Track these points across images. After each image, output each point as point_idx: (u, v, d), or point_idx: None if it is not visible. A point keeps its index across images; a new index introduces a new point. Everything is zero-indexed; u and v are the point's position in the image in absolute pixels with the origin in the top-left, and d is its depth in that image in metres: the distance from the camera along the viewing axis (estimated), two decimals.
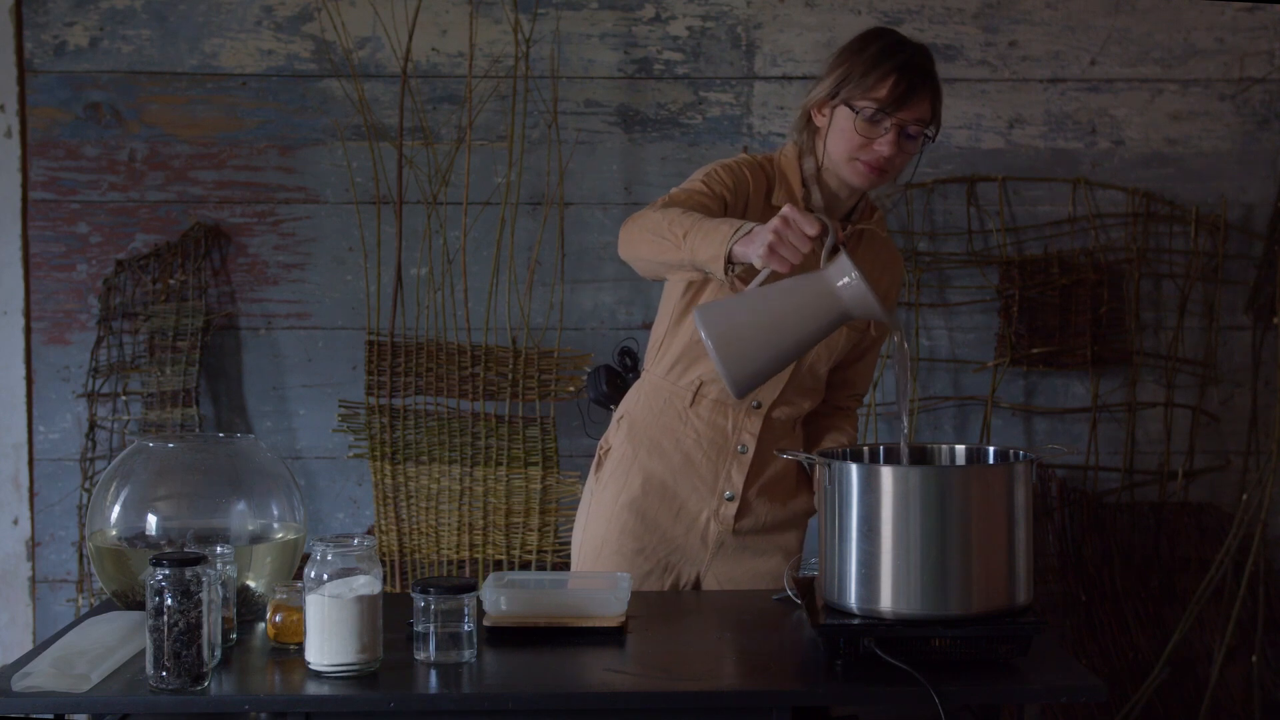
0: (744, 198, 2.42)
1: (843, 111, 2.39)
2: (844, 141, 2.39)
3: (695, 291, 2.48)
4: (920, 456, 2.27)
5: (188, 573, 1.91)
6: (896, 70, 2.35)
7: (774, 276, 2.04)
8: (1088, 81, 3.42)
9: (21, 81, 3.34)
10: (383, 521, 3.35)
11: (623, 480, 2.54)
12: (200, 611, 1.91)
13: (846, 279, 1.98)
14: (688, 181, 2.40)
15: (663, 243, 2.17)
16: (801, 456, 2.23)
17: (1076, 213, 3.42)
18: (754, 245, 2.03)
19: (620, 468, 2.55)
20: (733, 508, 2.50)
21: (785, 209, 2.02)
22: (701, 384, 2.49)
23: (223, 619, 2.05)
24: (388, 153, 3.35)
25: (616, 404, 2.75)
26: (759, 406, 2.49)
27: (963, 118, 3.41)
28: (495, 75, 3.35)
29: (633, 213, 2.35)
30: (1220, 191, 3.43)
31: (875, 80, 2.35)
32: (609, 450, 2.59)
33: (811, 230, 1.99)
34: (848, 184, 2.45)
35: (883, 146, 2.37)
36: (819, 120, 2.44)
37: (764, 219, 2.37)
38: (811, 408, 2.57)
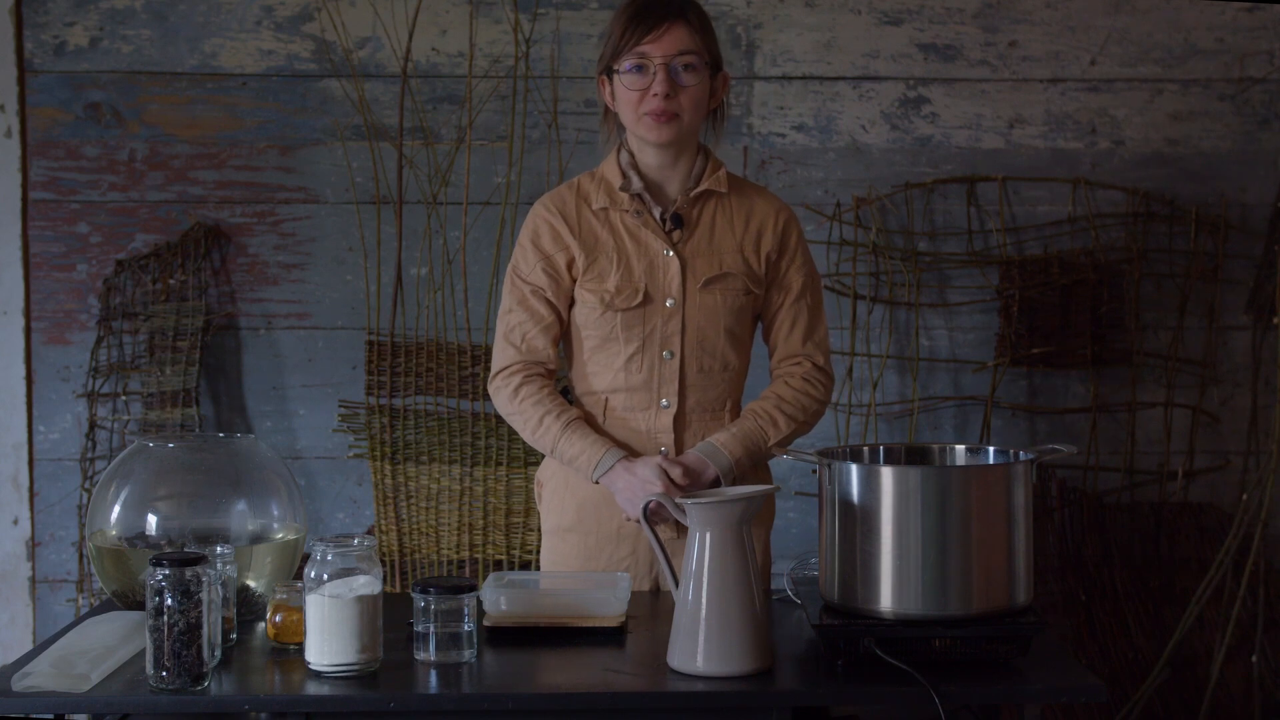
0: (564, 265, 2.45)
1: (615, 82, 2.42)
2: (626, 107, 2.42)
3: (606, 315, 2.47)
4: (920, 456, 2.27)
5: (188, 573, 1.91)
6: (636, 14, 2.38)
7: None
8: (1088, 81, 3.42)
9: (21, 81, 3.34)
10: (383, 521, 3.35)
11: (559, 509, 2.53)
12: (200, 611, 1.92)
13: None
14: (509, 315, 2.49)
15: (538, 447, 2.49)
16: (802, 456, 2.22)
17: (1076, 213, 3.42)
18: (616, 494, 2.41)
19: (556, 496, 2.54)
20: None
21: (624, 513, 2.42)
22: (608, 397, 2.47)
23: (223, 619, 2.05)
24: (388, 153, 3.35)
25: None
26: (668, 405, 2.46)
27: (963, 118, 3.41)
28: (495, 75, 3.35)
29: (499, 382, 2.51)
30: (1220, 191, 3.43)
31: (619, 36, 2.40)
32: (544, 483, 2.59)
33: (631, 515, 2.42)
34: (649, 145, 2.44)
35: (657, 87, 2.37)
36: (612, 105, 2.47)
37: (590, 230, 2.46)
38: (731, 389, 2.50)
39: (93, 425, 3.35)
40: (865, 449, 2.29)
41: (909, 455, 2.28)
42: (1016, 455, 2.10)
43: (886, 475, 2.01)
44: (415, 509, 3.35)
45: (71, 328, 3.38)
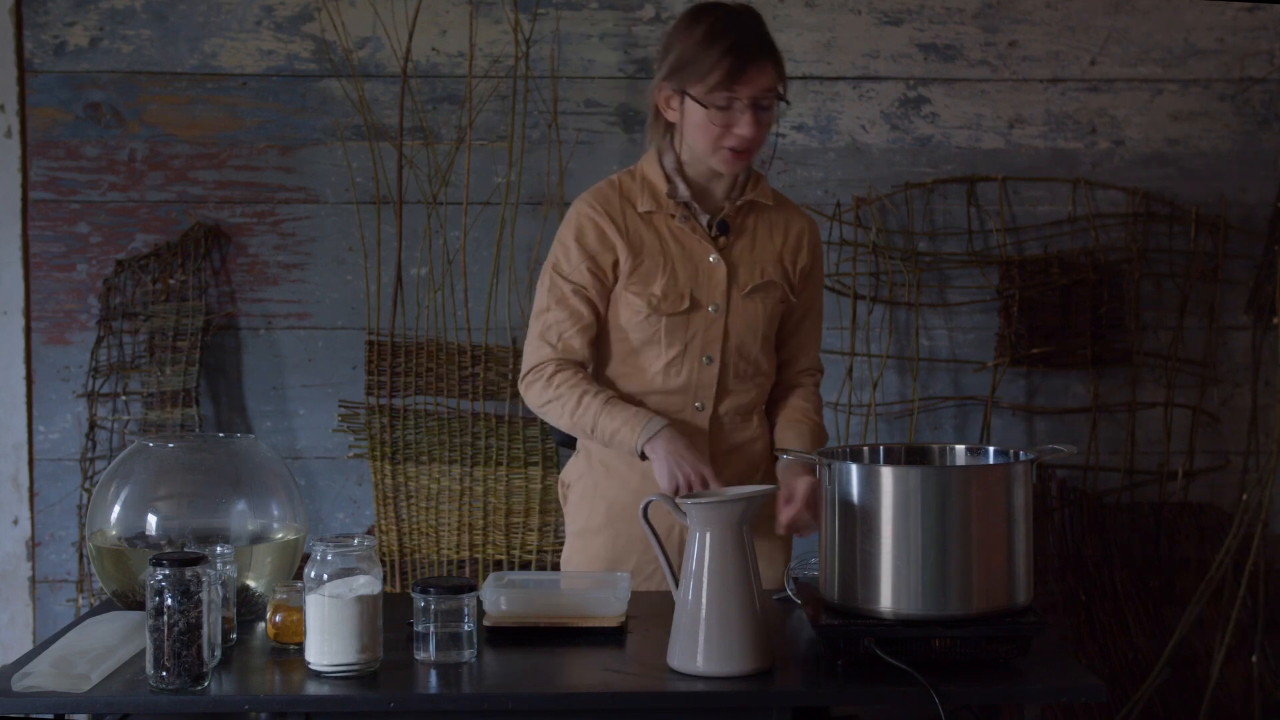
0: (609, 265, 2.44)
1: (689, 105, 2.38)
2: (703, 135, 2.38)
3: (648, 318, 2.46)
4: (920, 456, 2.27)
5: (188, 573, 1.91)
6: (730, 52, 2.34)
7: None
8: (1088, 81, 3.42)
9: (21, 81, 3.34)
10: (383, 521, 3.35)
11: (587, 511, 2.53)
12: (200, 611, 1.91)
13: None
14: (546, 314, 2.46)
15: (576, 430, 2.45)
16: (803, 455, 2.22)
17: (1076, 213, 3.42)
18: (657, 461, 2.35)
19: (584, 499, 2.54)
20: None
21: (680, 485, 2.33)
22: (642, 399, 2.47)
23: (223, 619, 2.05)
24: (388, 153, 3.35)
25: None
26: (702, 408, 2.47)
27: (963, 118, 3.41)
28: (495, 75, 3.35)
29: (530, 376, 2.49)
30: (1220, 191, 3.43)
31: (711, 66, 2.34)
32: (570, 485, 2.59)
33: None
34: (718, 171, 2.44)
35: (743, 129, 2.36)
36: (670, 115, 2.43)
37: (636, 233, 2.43)
38: (761, 393, 2.53)
39: (93, 425, 3.35)
40: (865, 449, 2.28)
41: (909, 455, 2.28)
42: (1016, 455, 2.09)
43: (886, 475, 2.01)
44: (415, 509, 3.35)
45: (71, 328, 3.38)
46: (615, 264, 2.44)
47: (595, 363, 2.51)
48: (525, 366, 2.49)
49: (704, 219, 2.46)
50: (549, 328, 2.46)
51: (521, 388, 2.50)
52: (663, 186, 2.45)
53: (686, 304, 2.43)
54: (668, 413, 2.45)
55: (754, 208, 2.50)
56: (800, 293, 2.54)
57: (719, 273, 2.44)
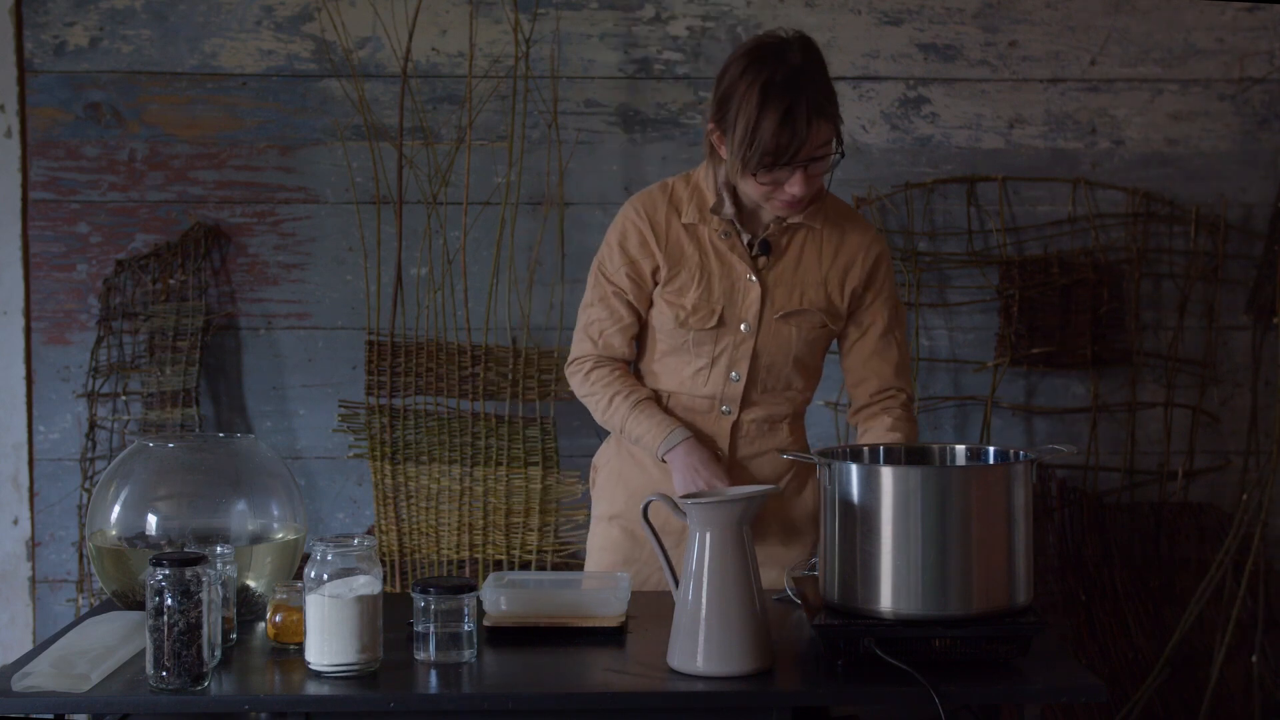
0: (649, 271, 2.45)
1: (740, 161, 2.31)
2: (753, 189, 2.34)
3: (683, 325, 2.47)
4: (920, 457, 2.27)
5: (188, 573, 1.91)
6: (780, 122, 2.24)
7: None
8: (1088, 81, 3.42)
9: (21, 81, 3.34)
10: (383, 521, 3.35)
11: (609, 496, 2.57)
12: (200, 611, 1.92)
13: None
14: (590, 309, 2.50)
15: (607, 426, 2.53)
16: (799, 456, 2.23)
17: (1076, 213, 3.42)
18: (675, 471, 2.43)
19: (608, 483, 2.58)
20: None
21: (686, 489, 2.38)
22: (670, 395, 2.49)
23: (223, 619, 2.05)
24: (388, 153, 3.35)
25: None
26: (728, 412, 2.48)
27: (963, 118, 3.41)
28: (495, 75, 3.35)
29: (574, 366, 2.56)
30: (1220, 191, 3.43)
31: (764, 136, 2.25)
32: (599, 469, 2.63)
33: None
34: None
35: (793, 188, 2.31)
36: (722, 153, 2.37)
37: (676, 243, 2.44)
38: (792, 408, 2.52)
39: (93, 425, 3.35)
40: (865, 449, 2.29)
41: (909, 455, 2.28)
42: (1016, 455, 2.09)
43: (886, 475, 2.01)
44: (415, 509, 3.35)
45: (71, 328, 3.38)
46: (655, 270, 2.46)
47: (643, 360, 2.55)
48: (571, 355, 2.56)
49: (745, 238, 2.44)
50: (591, 323, 2.52)
51: (567, 373, 2.57)
52: (711, 199, 2.44)
53: (715, 321, 2.43)
54: (695, 412, 2.48)
55: (803, 227, 2.46)
56: (856, 312, 2.50)
57: (753, 293, 2.43)
